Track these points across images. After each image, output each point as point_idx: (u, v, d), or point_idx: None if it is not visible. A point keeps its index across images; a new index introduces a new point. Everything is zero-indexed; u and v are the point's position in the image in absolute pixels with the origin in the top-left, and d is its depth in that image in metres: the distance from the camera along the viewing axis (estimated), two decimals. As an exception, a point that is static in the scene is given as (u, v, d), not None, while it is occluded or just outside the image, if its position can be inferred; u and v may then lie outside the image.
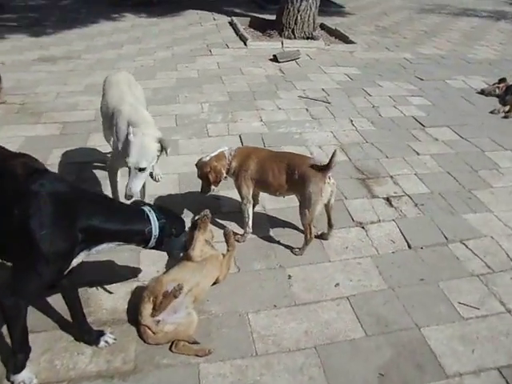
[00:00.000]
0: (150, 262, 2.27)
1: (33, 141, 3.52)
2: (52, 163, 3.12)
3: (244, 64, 5.38)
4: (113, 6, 8.76)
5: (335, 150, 2.17)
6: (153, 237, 1.65)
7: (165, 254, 1.95)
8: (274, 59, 5.53)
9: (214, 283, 2.11)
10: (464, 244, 2.48)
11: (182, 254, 1.96)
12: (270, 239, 2.49)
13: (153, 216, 1.65)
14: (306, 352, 1.83)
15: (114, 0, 8.97)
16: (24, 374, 1.64)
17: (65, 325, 1.88)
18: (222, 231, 2.22)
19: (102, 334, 1.84)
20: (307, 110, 4.16)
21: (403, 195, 2.92)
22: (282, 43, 6.10)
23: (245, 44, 6.12)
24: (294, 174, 2.23)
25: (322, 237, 2.49)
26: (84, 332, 1.82)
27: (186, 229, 1.97)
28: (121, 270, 2.22)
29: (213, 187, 2.40)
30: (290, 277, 2.23)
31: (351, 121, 3.97)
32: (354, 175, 3.12)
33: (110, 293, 2.08)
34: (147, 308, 1.81)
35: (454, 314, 2.04)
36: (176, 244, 1.85)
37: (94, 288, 2.10)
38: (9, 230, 1.42)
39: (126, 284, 2.14)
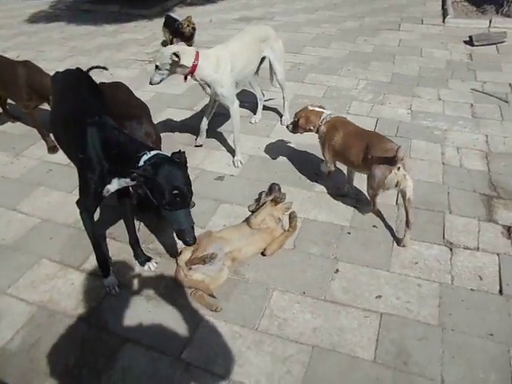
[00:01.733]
0: (222, 216, 2.52)
1: (194, 89, 4.05)
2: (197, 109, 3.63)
3: (429, 44, 4.86)
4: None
5: (399, 147, 2.05)
6: (139, 171, 1.62)
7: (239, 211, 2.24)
8: (469, 41, 4.81)
9: (262, 254, 2.24)
10: None
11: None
12: (342, 228, 2.43)
13: (147, 156, 1.67)
14: (302, 347, 1.82)
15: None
16: (109, 279, 2.13)
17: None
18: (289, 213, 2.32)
19: (149, 259, 2.23)
20: (472, 105, 3.60)
21: (533, 231, 2.37)
22: (490, 22, 5.20)
23: (443, 21, 5.45)
24: (368, 154, 2.20)
25: (398, 242, 2.31)
26: (136, 254, 2.24)
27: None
28: (194, 216, 2.54)
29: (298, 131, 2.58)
30: (337, 271, 2.17)
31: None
32: (479, 189, 2.65)
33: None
34: (186, 254, 2.09)
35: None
36: (169, 215, 1.69)
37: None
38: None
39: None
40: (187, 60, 2.57)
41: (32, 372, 1.82)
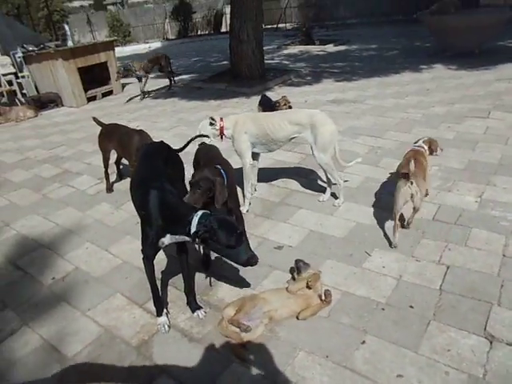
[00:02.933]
0: (272, 281, 2.79)
1: (277, 164, 4.57)
2: (275, 184, 4.07)
3: (519, 133, 4.76)
4: (432, 56, 9.17)
5: (411, 161, 2.80)
6: (191, 233, 2.10)
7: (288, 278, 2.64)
8: None
9: (296, 317, 2.44)
10: None
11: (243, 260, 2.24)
12: (378, 304, 2.51)
13: (197, 217, 2.12)
14: None
15: (436, 51, 9.38)
16: (162, 319, 2.51)
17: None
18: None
19: (199, 308, 2.58)
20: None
21: None
22: None
23: (538, 110, 5.30)
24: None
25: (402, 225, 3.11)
26: (189, 302, 2.60)
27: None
28: (249, 279, 2.84)
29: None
30: (363, 342, 2.26)
31: None
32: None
33: (211, 285, 2.80)
34: (230, 309, 2.40)
35: None
36: (232, 253, 2.18)
37: (222, 280, 2.85)
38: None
39: (241, 290, 2.75)
40: (217, 123, 3.45)
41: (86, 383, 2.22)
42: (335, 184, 3.63)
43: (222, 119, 3.50)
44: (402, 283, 2.67)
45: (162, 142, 2.84)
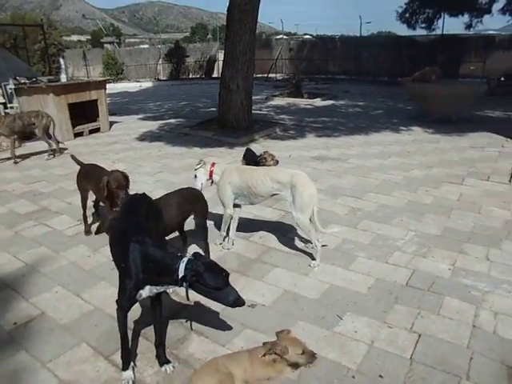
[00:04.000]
0: (243, 339, 2.73)
1: (256, 222, 4.61)
2: (253, 240, 4.08)
3: (489, 202, 4.93)
4: (413, 119, 9.62)
5: None
6: (179, 278, 2.15)
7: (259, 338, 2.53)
8: (536, 202, 4.81)
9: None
10: None
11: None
12: (348, 371, 2.47)
13: (183, 263, 2.16)
14: None
15: (417, 114, 9.87)
16: (127, 373, 2.42)
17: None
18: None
19: (167, 362, 2.50)
20: (525, 272, 3.53)
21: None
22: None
23: (510, 180, 5.55)
24: None
25: None
26: (158, 355, 2.53)
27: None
28: (219, 335, 2.79)
29: None
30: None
31: None
32: (509, 362, 2.53)
33: (191, 329, 2.79)
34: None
35: None
36: (219, 295, 2.23)
37: (193, 333, 2.79)
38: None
39: (211, 346, 2.70)
40: (208, 167, 3.73)
41: None
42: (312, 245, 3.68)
43: (213, 164, 3.78)
44: (373, 350, 2.65)
45: (143, 194, 2.85)
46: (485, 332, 2.80)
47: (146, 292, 2.27)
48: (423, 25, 17.83)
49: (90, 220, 4.39)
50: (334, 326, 2.87)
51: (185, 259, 2.20)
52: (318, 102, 12.93)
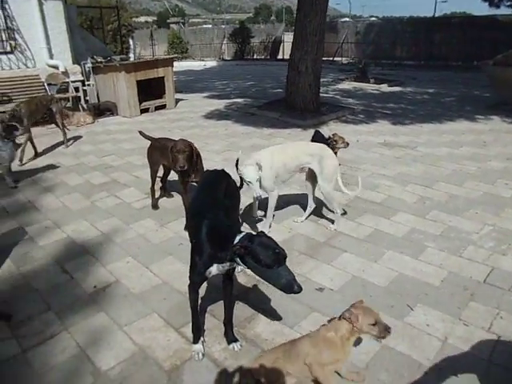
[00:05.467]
0: (311, 323, 2.71)
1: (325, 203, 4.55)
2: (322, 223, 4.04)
3: None
4: (490, 107, 8.96)
5: None
6: (240, 243, 2.05)
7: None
8: None
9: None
10: None
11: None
12: (420, 366, 2.39)
13: (239, 236, 2.09)
14: None
15: (495, 102, 9.17)
16: (197, 347, 2.51)
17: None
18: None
19: (235, 340, 2.55)
20: None
21: None
22: None
23: None
24: None
25: None
26: (226, 333, 2.58)
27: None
28: (288, 316, 2.81)
29: None
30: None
31: None
32: None
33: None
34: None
35: None
36: (271, 275, 2.04)
37: (260, 314, 2.82)
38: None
39: (278, 327, 2.73)
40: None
41: (117, 400, 2.23)
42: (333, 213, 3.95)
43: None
44: (447, 346, 2.54)
45: (222, 170, 2.88)
46: None
47: (214, 270, 2.28)
48: (509, 2, 16.15)
49: (157, 194, 4.56)
50: (404, 316, 2.78)
51: (242, 234, 2.13)
52: (385, 88, 12.40)
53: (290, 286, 2.01)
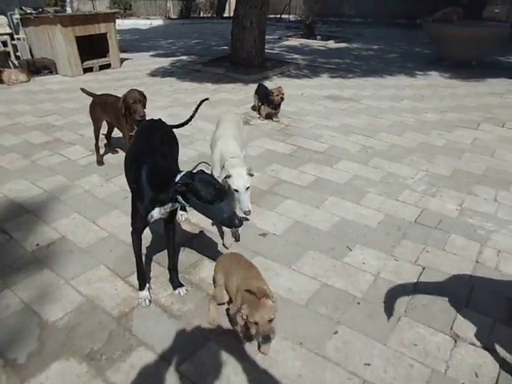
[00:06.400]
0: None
1: (269, 153, 4.64)
2: (265, 172, 4.14)
3: (504, 148, 4.87)
4: (430, 64, 9.30)
5: None
6: (182, 181, 2.05)
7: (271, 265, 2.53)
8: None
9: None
10: None
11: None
12: (354, 298, 2.61)
13: (180, 175, 2.08)
14: None
15: (435, 58, 9.52)
16: (143, 293, 2.57)
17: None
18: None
19: (180, 285, 2.64)
20: (532, 214, 3.58)
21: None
22: None
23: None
24: None
25: None
26: (172, 278, 2.66)
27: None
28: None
29: None
30: (336, 332, 2.35)
31: None
32: (507, 294, 2.64)
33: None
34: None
35: None
36: (212, 210, 2.06)
37: (205, 259, 2.92)
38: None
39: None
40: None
41: (65, 347, 2.27)
42: None
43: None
44: (379, 280, 2.77)
45: (159, 119, 2.86)
46: (486, 267, 2.90)
47: (156, 214, 2.31)
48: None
49: (101, 151, 4.46)
50: (343, 256, 2.98)
51: (183, 172, 2.13)
52: (332, 44, 12.46)
53: (231, 220, 2.06)
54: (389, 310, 2.52)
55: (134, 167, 2.35)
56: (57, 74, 8.29)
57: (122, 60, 9.41)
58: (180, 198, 2.13)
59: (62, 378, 2.11)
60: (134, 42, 12.62)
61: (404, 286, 2.72)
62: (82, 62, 8.31)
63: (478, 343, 2.31)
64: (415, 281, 2.75)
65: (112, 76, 8.32)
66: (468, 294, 2.64)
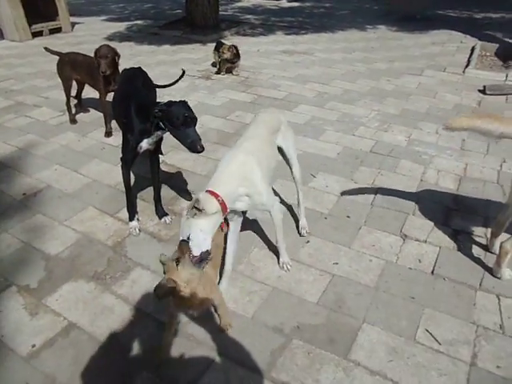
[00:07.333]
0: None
1: (232, 102, 4.93)
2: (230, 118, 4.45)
3: (444, 89, 5.40)
4: (378, 18, 9.69)
5: None
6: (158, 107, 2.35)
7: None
8: (483, 90, 5.33)
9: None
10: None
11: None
12: (321, 214, 3.03)
13: (161, 104, 2.39)
14: (264, 287, 2.44)
15: (383, 13, 9.92)
16: (133, 223, 2.87)
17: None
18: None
19: (166, 214, 2.95)
20: (464, 140, 4.10)
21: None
22: (507, 76, 5.69)
23: (463, 71, 6.01)
24: None
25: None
26: (157, 209, 2.97)
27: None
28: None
29: None
30: (308, 242, 2.76)
31: (504, 160, 3.73)
32: (445, 203, 3.14)
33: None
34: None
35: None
36: (181, 135, 2.33)
37: (184, 192, 3.24)
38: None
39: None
40: (209, 204, 1.90)
41: (72, 272, 2.55)
42: None
43: (213, 193, 1.95)
44: (341, 199, 3.21)
45: (139, 67, 3.10)
46: (429, 183, 3.40)
47: (145, 144, 2.61)
48: None
49: (73, 111, 4.57)
50: (308, 182, 3.38)
51: (162, 102, 2.41)
52: (284, 4, 12.52)
53: (194, 146, 2.30)
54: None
55: (122, 105, 2.61)
56: (3, 39, 7.99)
57: (73, 24, 9.15)
58: (161, 124, 2.41)
59: (74, 294, 2.40)
60: (82, 6, 12.13)
61: (363, 203, 3.16)
62: (30, 26, 8.04)
63: (422, 239, 2.80)
64: (372, 198, 3.20)
65: (65, 41, 8.12)
66: (414, 205, 3.12)
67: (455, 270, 2.55)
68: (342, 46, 7.50)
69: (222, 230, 2.09)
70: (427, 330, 2.16)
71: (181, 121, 2.30)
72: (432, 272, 2.54)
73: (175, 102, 2.42)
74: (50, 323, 2.22)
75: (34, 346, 2.10)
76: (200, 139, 2.37)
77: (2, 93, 5.39)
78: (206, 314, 2.21)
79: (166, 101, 2.47)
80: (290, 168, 2.74)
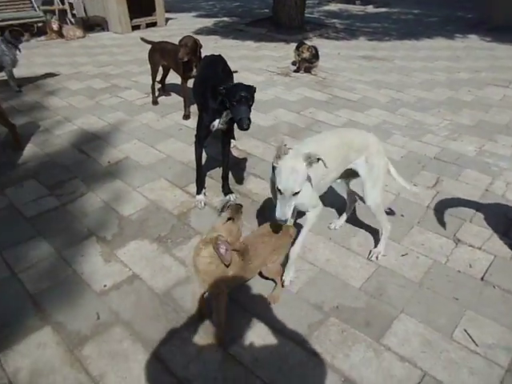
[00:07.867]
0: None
1: (307, 99, 5.11)
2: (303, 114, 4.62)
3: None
4: (471, 27, 9.27)
5: None
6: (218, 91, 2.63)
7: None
8: None
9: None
10: None
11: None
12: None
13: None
14: (312, 267, 2.58)
15: (477, 22, 9.46)
16: (199, 197, 3.15)
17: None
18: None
19: (231, 192, 3.19)
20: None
21: None
22: None
23: (556, 86, 5.61)
24: None
25: None
26: (223, 187, 3.21)
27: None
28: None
29: None
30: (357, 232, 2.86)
31: None
32: (509, 215, 3.06)
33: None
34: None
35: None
36: (234, 111, 2.60)
37: (251, 175, 3.47)
38: None
39: (266, 184, 3.37)
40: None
41: (139, 232, 2.89)
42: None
43: None
44: (398, 199, 3.24)
45: (219, 54, 3.41)
46: (494, 195, 3.29)
47: (217, 124, 2.88)
48: None
49: (156, 93, 5.06)
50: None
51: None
52: (371, 9, 12.42)
53: (242, 123, 2.54)
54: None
55: (201, 87, 2.92)
56: (108, 31, 8.89)
57: (167, 20, 9.89)
58: (227, 104, 2.65)
59: (139, 251, 2.72)
60: (176, 3, 13.00)
61: (419, 204, 3.17)
62: (131, 20, 8.85)
63: (476, 245, 2.76)
64: (429, 202, 3.19)
65: (159, 33, 8.81)
66: (473, 213, 3.06)
67: (508, 280, 2.49)
68: (424, 54, 7.33)
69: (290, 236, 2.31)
70: (465, 331, 2.17)
71: (237, 99, 2.54)
72: (482, 278, 2.51)
73: (240, 83, 2.68)
74: (118, 270, 2.55)
75: (105, 285, 2.44)
76: (249, 118, 2.59)
77: (102, 76, 6.07)
78: (254, 286, 2.40)
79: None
80: (363, 196, 2.52)
